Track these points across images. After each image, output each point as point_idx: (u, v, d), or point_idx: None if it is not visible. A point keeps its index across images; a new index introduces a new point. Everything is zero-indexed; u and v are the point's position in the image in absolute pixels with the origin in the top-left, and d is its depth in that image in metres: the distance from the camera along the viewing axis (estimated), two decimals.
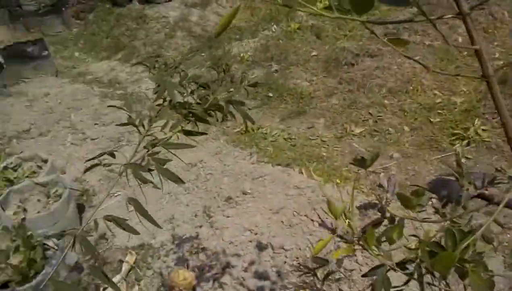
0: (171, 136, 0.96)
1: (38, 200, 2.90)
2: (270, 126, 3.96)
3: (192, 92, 1.06)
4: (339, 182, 3.23)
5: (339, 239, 3.03)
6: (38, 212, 2.77)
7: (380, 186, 3.06)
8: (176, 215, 3.00)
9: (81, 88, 5.29)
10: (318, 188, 3.06)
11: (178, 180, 0.91)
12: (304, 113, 4.07)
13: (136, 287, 2.45)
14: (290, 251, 2.55)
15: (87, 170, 0.98)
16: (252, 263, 2.50)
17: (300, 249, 2.55)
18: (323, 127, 3.86)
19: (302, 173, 3.31)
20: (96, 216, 0.87)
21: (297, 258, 2.49)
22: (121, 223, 0.85)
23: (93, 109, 4.69)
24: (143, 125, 0.99)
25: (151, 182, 0.91)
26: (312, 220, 2.74)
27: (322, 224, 3.11)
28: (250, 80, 1.14)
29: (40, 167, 3.25)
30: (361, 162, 0.92)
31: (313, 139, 3.72)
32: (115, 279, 2.48)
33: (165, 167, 0.90)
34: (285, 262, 2.48)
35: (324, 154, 3.52)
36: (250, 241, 2.65)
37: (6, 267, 2.25)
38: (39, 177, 3.03)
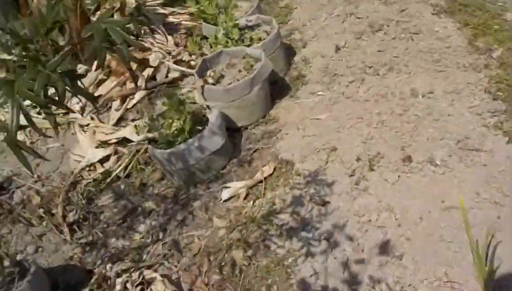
0: None
1: (239, 71, 2.64)
2: None
3: None
4: None
5: None
6: (229, 83, 2.54)
7: None
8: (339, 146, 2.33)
9: None
10: None
11: None
12: None
13: (251, 202, 2.16)
14: None
15: None
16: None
17: None
18: None
19: None
20: None
21: None
22: None
23: None
24: None
25: None
26: None
27: None
28: None
29: (267, 33, 2.94)
30: None
31: None
32: (239, 184, 2.23)
33: None
34: None
35: None
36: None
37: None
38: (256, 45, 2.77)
